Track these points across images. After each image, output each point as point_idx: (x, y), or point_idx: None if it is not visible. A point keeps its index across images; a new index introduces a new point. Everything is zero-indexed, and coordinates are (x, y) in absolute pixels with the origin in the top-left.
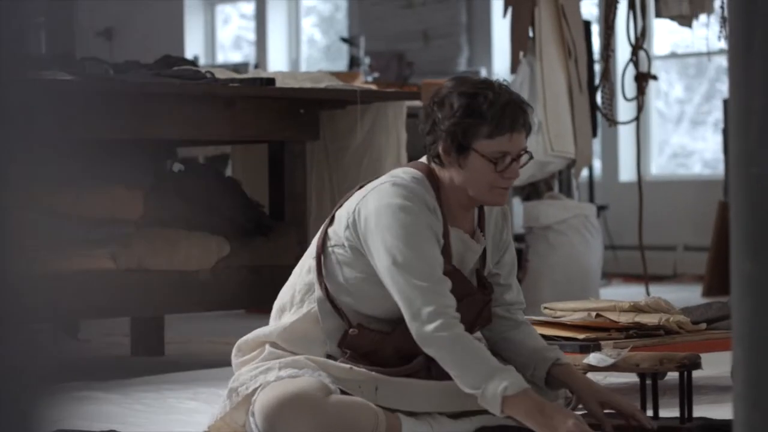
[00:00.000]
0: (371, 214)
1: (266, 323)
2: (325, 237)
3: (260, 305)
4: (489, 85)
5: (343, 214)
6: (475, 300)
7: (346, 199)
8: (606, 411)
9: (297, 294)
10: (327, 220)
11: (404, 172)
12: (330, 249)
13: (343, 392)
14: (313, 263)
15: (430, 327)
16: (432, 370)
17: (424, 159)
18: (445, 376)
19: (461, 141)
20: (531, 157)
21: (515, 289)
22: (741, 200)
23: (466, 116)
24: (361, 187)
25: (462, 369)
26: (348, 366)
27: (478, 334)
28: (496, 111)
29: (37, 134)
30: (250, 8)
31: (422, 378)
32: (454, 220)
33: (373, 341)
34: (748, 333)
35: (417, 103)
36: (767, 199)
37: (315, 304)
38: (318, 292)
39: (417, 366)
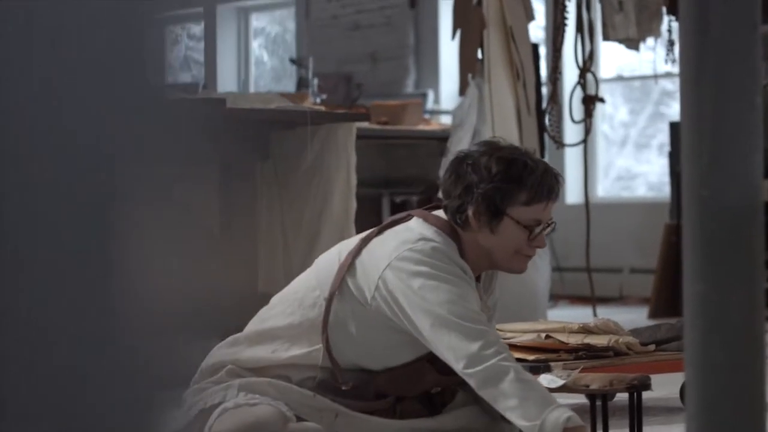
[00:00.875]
0: (412, 275)
1: (213, 345)
2: (342, 282)
3: (208, 327)
4: (524, 152)
5: (365, 274)
6: None
7: (364, 244)
8: None
9: (297, 327)
10: (345, 263)
11: (434, 233)
12: (347, 299)
13: (300, 418)
14: (321, 302)
15: (494, 360)
16: (396, 411)
17: (439, 213)
18: (407, 415)
19: (498, 206)
20: (554, 228)
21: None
22: (693, 222)
23: (505, 181)
24: (380, 233)
25: (522, 399)
26: (312, 394)
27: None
28: (536, 179)
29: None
30: (198, 29)
31: (385, 417)
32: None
33: (359, 377)
34: (701, 353)
35: (366, 124)
36: (718, 221)
37: (318, 345)
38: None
39: (384, 405)
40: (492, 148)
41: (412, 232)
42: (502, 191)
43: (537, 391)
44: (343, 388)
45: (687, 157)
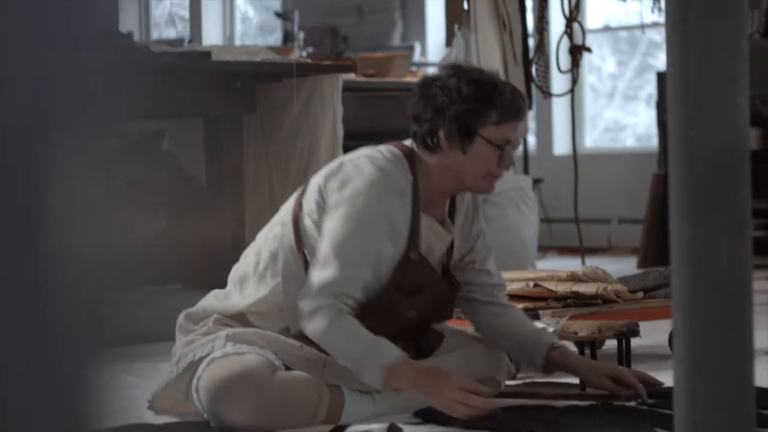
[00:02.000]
0: (337, 187)
1: (201, 298)
2: (299, 205)
3: (197, 280)
4: (492, 74)
5: (315, 182)
6: (440, 291)
7: (321, 171)
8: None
9: (261, 263)
10: (301, 187)
11: (386, 150)
12: (303, 218)
13: (287, 368)
14: (279, 230)
15: (319, 302)
16: None
17: (407, 142)
18: None
19: (470, 126)
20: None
21: (494, 272)
22: (679, 165)
23: (476, 101)
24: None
25: (341, 348)
26: (299, 344)
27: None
28: (506, 99)
29: None
30: None
31: None
32: (427, 207)
33: None
34: (689, 298)
35: (352, 76)
36: (705, 163)
37: (279, 277)
38: (289, 261)
39: None
40: (459, 70)
41: (365, 149)
42: (473, 112)
43: (353, 335)
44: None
45: (673, 99)
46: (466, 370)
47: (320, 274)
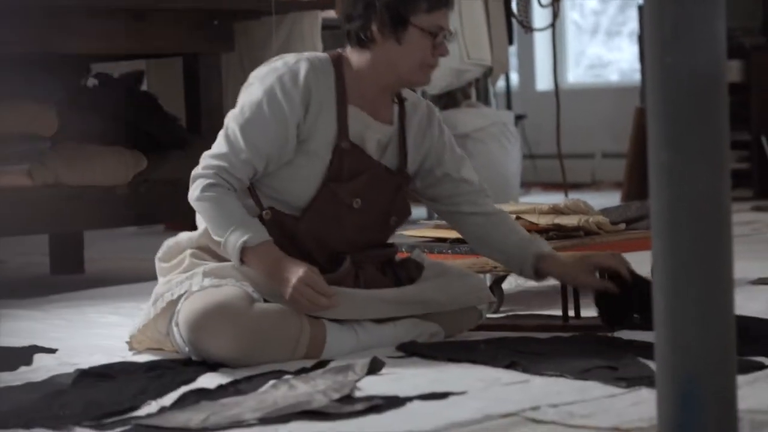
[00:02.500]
0: (248, 84)
1: None
2: None
3: (178, 219)
4: None
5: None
6: (377, 175)
7: None
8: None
9: None
10: None
11: (307, 55)
12: None
13: (266, 302)
14: None
15: (201, 172)
16: (360, 279)
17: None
18: (372, 285)
19: (402, 15)
20: (453, 37)
21: (473, 180)
22: (656, 91)
23: None
24: None
25: (211, 219)
26: None
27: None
28: None
29: None
30: None
31: (349, 287)
32: (361, 103)
33: (286, 226)
34: (667, 224)
35: (332, 14)
36: (682, 88)
37: None
38: None
39: (344, 273)
40: None
41: (288, 54)
42: (403, 1)
43: (226, 211)
44: (264, 215)
45: (649, 24)
46: (446, 299)
47: (208, 152)
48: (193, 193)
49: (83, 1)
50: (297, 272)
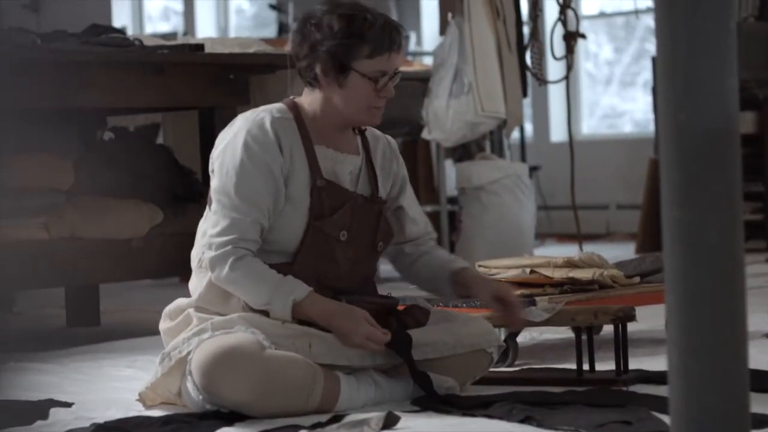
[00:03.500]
0: (220, 151)
1: None
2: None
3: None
4: (364, 7)
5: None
6: (357, 204)
7: None
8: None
9: (195, 257)
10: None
11: (263, 108)
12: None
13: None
14: (203, 224)
15: (217, 251)
16: None
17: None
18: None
19: (343, 61)
20: (399, 78)
21: (421, 222)
22: (669, 147)
23: (346, 37)
24: None
25: (248, 292)
26: (280, 322)
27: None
28: (376, 32)
29: None
30: None
31: None
32: (324, 140)
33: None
34: (681, 279)
35: None
36: (694, 145)
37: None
38: None
39: None
40: (332, 5)
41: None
42: (344, 46)
43: (261, 276)
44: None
45: (662, 82)
46: (453, 341)
47: (212, 229)
48: (220, 274)
49: (101, 56)
50: (357, 327)
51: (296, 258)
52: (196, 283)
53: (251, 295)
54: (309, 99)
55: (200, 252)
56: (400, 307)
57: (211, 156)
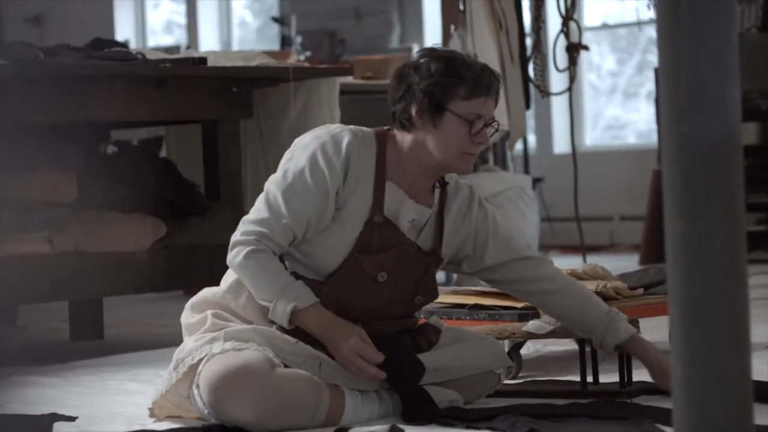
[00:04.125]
0: (293, 149)
1: None
2: None
3: (198, 285)
4: (463, 54)
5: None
6: (406, 252)
7: None
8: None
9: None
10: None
11: (352, 127)
12: None
13: (286, 366)
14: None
15: (242, 238)
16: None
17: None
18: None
19: (439, 100)
20: (498, 128)
21: (531, 261)
22: (672, 159)
23: (444, 76)
24: None
25: (257, 284)
26: (294, 341)
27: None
28: (474, 73)
29: None
30: None
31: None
32: (400, 182)
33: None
34: (684, 292)
35: (350, 79)
36: (697, 157)
37: None
38: None
39: None
40: (431, 50)
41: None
42: (441, 85)
43: (271, 274)
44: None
45: (665, 94)
46: (462, 365)
47: (248, 217)
48: (235, 258)
49: (104, 70)
50: (348, 339)
51: (328, 280)
52: (222, 285)
53: (258, 288)
54: (400, 138)
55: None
56: (421, 321)
57: (289, 148)
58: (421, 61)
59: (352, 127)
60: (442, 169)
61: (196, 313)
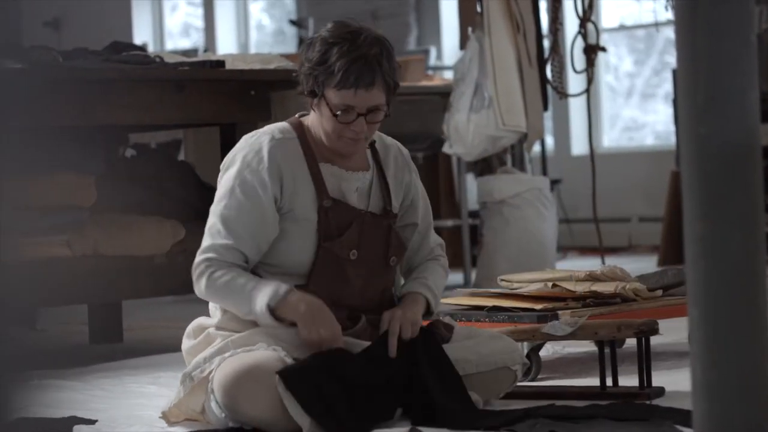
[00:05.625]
0: (221, 172)
1: None
2: None
3: None
4: (354, 35)
5: None
6: (365, 222)
7: None
8: None
9: None
10: None
11: (265, 129)
12: None
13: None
14: None
15: (199, 267)
16: (374, 336)
17: None
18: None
19: (314, 87)
20: (387, 115)
21: (431, 241)
22: (691, 161)
23: (318, 64)
24: None
25: (228, 301)
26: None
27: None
28: (343, 65)
29: None
30: None
31: (368, 340)
32: (330, 158)
33: None
34: (703, 293)
35: None
36: (716, 159)
37: None
38: None
39: (360, 329)
40: (334, 27)
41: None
42: (316, 72)
43: (235, 286)
44: None
45: (683, 96)
46: (476, 358)
47: (201, 246)
48: (199, 289)
49: (123, 73)
50: (325, 324)
51: (309, 279)
52: (216, 315)
53: (233, 306)
54: (311, 118)
55: None
56: (424, 323)
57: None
58: (316, 38)
59: (266, 128)
60: (330, 148)
61: (194, 338)
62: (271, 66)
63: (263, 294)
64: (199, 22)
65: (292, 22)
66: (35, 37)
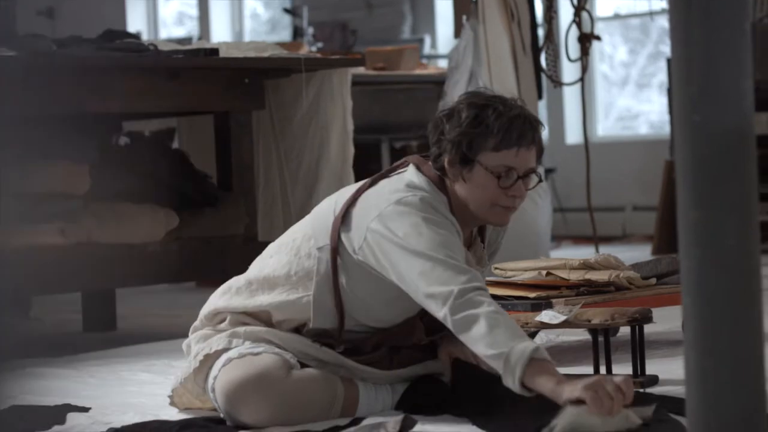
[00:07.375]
0: (391, 233)
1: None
2: (338, 235)
3: (210, 276)
4: (500, 98)
5: (356, 226)
6: None
7: (358, 194)
8: None
9: (294, 276)
10: (339, 215)
11: (417, 179)
12: (343, 253)
13: (303, 365)
14: (315, 252)
15: (472, 294)
16: (393, 362)
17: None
18: (407, 363)
19: (466, 152)
20: (540, 180)
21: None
22: (685, 148)
23: (472, 127)
24: (373, 183)
25: (491, 329)
26: (318, 345)
27: None
28: (504, 123)
29: None
30: None
31: (384, 368)
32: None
33: (352, 341)
34: (697, 281)
35: (361, 70)
36: (710, 147)
37: (311, 296)
38: (323, 288)
39: (379, 356)
40: (469, 96)
41: (404, 182)
42: (469, 136)
43: (507, 324)
44: (337, 351)
45: (677, 83)
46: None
47: (432, 289)
48: (479, 332)
49: (117, 61)
50: (572, 391)
51: (375, 335)
52: (262, 297)
53: (488, 340)
54: (449, 185)
55: (291, 278)
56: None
57: (362, 241)
58: (455, 106)
59: (421, 181)
60: (478, 220)
61: (210, 322)
62: (266, 54)
63: (530, 342)
64: (193, 11)
65: (287, 11)
66: (29, 26)
